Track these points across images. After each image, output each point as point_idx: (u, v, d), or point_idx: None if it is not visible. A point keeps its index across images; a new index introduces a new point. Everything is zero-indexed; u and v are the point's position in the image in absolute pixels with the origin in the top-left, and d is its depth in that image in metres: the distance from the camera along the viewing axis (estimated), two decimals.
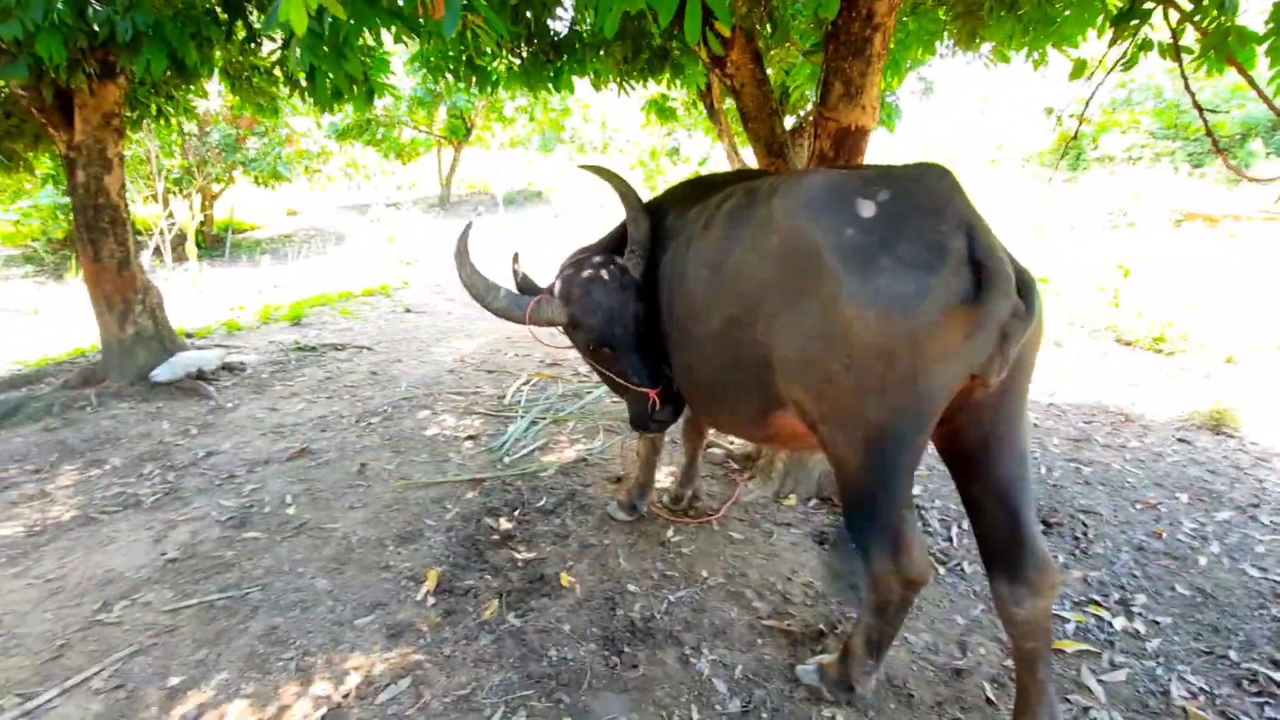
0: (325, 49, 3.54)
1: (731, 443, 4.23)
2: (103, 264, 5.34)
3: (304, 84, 5.72)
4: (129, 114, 5.92)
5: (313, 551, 3.17)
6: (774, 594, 2.84)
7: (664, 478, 3.87)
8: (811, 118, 6.63)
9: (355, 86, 4.43)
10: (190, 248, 12.04)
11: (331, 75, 3.60)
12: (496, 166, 24.10)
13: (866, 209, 1.82)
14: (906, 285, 1.69)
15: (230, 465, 4.07)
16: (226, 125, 13.78)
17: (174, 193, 13.61)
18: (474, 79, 5.18)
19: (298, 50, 3.39)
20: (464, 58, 5.04)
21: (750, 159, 6.10)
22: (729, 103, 7.76)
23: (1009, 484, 1.93)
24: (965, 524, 3.26)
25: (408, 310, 8.50)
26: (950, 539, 3.34)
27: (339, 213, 19.16)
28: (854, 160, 3.33)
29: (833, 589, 2.88)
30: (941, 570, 3.09)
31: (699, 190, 2.75)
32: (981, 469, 1.97)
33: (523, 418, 4.69)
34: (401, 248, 14.23)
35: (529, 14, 4.34)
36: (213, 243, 14.52)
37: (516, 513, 3.53)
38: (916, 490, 3.67)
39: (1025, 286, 1.73)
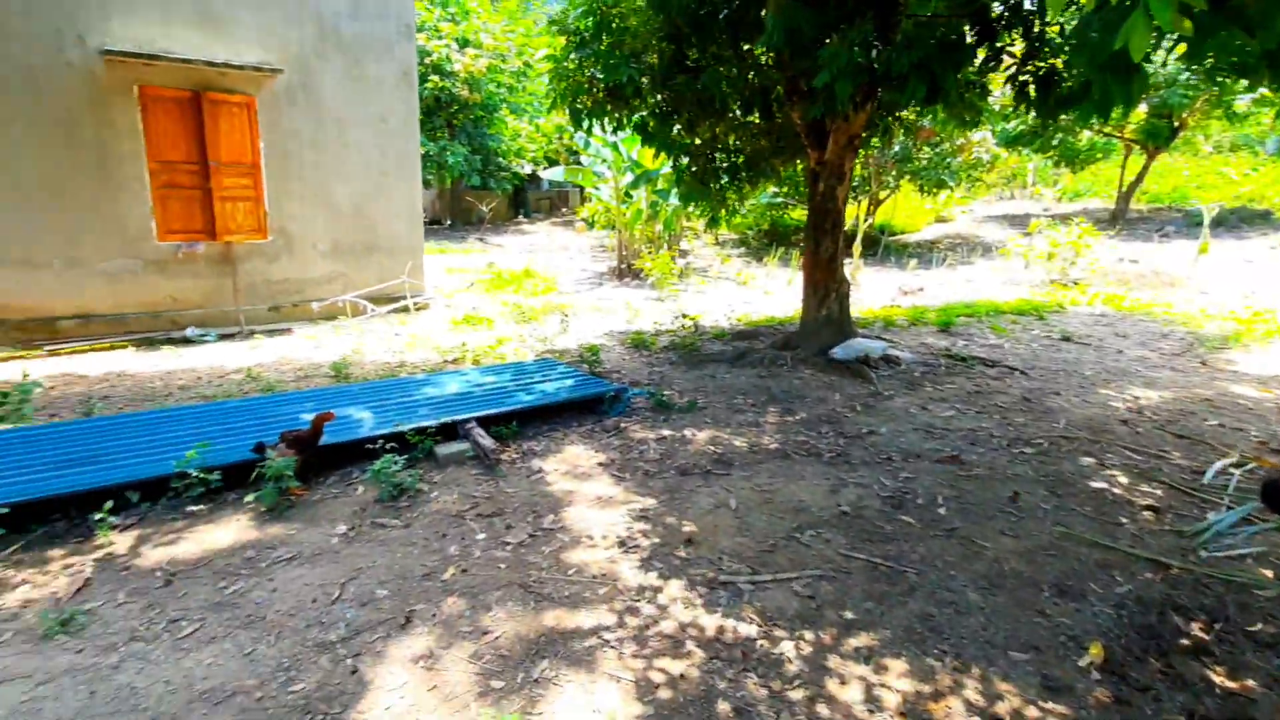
0: (1107, 63, 3.36)
1: None
2: (819, 257, 6.65)
3: (1032, 95, 5.66)
4: (864, 134, 7.07)
5: (963, 560, 3.27)
6: None
7: None
8: None
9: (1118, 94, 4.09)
10: (857, 247, 13.88)
11: (1111, 88, 3.41)
12: (1197, 176, 19.19)
13: None
14: None
15: (887, 448, 4.56)
16: (906, 138, 15.09)
17: (851, 199, 15.85)
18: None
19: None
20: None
21: None
22: None
23: None
24: None
25: (1066, 338, 7.72)
26: None
27: (987, 222, 18.81)
28: None
29: None
30: None
31: None
32: None
33: (1232, 509, 3.66)
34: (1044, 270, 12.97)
35: None
36: (868, 244, 16.39)
37: (1216, 626, 2.80)
38: None
39: None
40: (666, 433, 4.82)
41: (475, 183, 21.14)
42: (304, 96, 8.64)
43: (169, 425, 4.42)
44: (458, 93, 19.00)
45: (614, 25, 6.71)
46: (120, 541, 3.26)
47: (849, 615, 2.84)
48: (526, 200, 25.93)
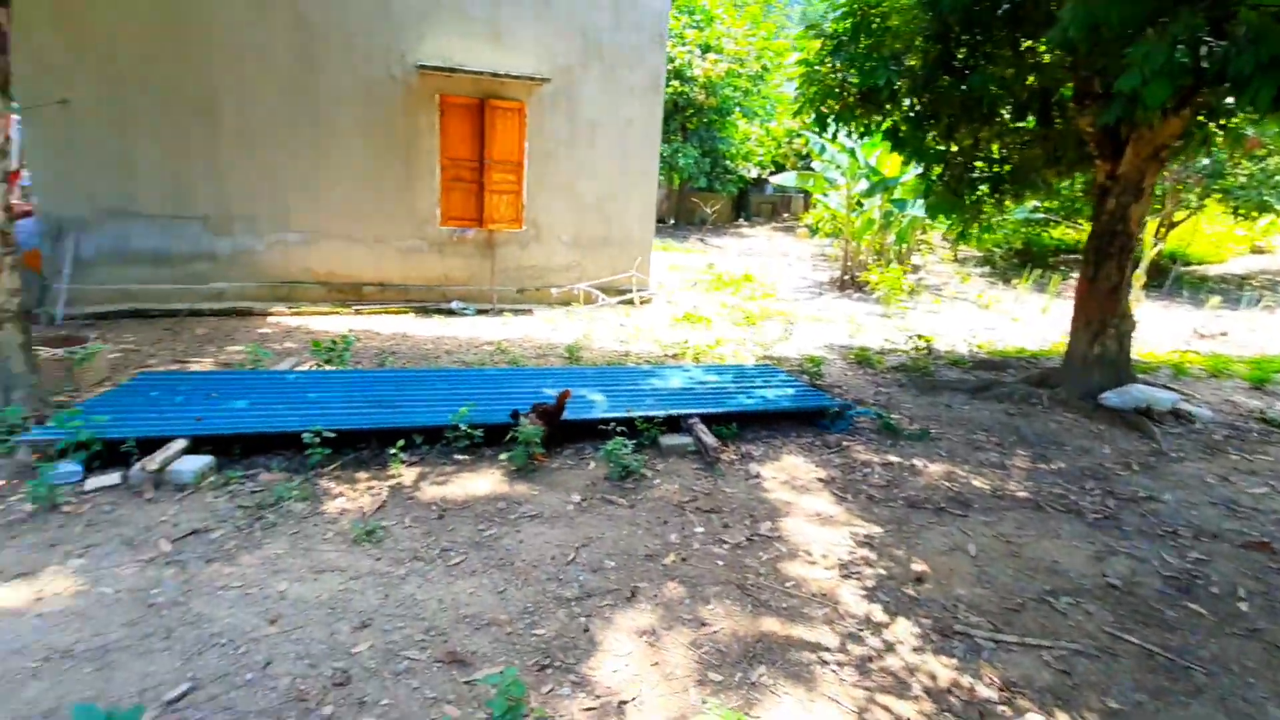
0: None
1: None
2: (1097, 284, 5.77)
3: None
4: (1175, 143, 5.96)
5: (1268, 669, 2.65)
6: None
7: None
8: None
9: None
10: (1139, 276, 11.82)
11: None
12: None
13: None
14: None
15: (1172, 520, 3.83)
16: (1226, 150, 12.44)
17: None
18: None
19: None
20: None
21: None
22: None
23: None
24: None
25: None
26: None
27: None
28: None
29: None
30: None
31: None
32: None
33: None
34: None
35: None
36: (1154, 273, 13.84)
37: None
38: None
39: None
40: (894, 459, 4.53)
41: (702, 184, 21.67)
42: (565, 102, 9.52)
43: (441, 383, 5.17)
44: (694, 97, 19.59)
45: (874, 26, 6.42)
46: (407, 475, 3.89)
47: (1113, 704, 2.44)
48: (748, 204, 25.99)
